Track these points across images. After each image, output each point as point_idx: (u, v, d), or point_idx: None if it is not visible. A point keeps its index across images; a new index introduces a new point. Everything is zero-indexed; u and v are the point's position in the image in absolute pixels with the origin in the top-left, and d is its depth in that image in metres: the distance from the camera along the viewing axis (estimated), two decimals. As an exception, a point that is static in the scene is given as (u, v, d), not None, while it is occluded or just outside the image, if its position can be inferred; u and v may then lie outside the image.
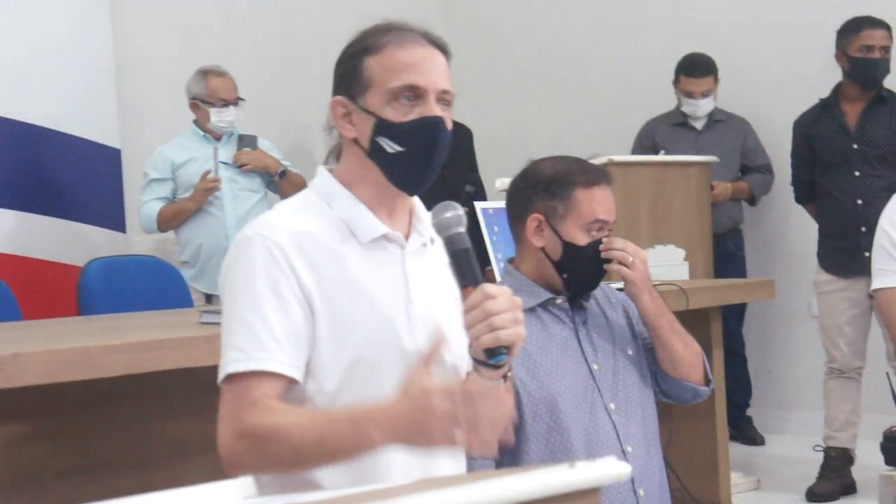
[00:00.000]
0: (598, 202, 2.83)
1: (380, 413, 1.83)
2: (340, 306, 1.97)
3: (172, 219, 5.54)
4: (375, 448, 1.85)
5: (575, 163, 2.92)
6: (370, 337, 1.99)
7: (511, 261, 2.97)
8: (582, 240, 2.82)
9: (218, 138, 5.60)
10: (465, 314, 1.97)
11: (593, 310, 2.95)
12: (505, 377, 2.03)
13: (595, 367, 2.85)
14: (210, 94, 5.53)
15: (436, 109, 2.05)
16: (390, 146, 2.03)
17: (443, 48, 2.09)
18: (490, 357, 1.96)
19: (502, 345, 1.94)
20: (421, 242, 2.13)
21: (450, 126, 2.10)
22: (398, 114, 2.03)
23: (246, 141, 5.59)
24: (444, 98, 2.06)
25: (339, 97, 2.07)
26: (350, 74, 2.06)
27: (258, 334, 1.91)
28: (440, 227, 2.04)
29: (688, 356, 2.92)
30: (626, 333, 2.98)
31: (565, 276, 2.84)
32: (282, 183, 5.58)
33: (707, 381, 2.98)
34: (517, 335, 1.96)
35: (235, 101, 5.57)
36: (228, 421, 1.90)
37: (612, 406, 2.82)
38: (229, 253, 2.02)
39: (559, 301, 2.87)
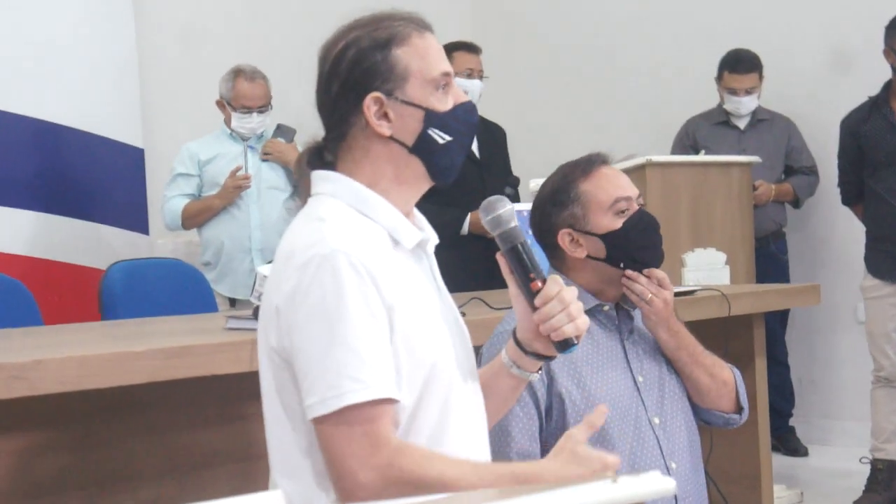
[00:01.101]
0: (608, 183, 2.78)
1: (551, 475, 1.90)
2: (409, 319, 1.92)
3: (197, 215, 5.48)
4: None
5: (567, 165, 2.87)
6: (438, 348, 1.96)
7: (555, 270, 2.93)
8: (616, 224, 2.76)
9: (245, 139, 5.54)
10: (539, 306, 2.03)
11: (639, 321, 2.89)
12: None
13: (640, 379, 2.79)
14: (234, 97, 5.45)
15: (463, 94, 2.06)
16: (441, 136, 1.99)
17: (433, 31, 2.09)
18: (563, 349, 2.06)
19: (580, 334, 2.04)
20: (432, 244, 2.11)
21: None
22: (441, 103, 2.00)
23: (283, 132, 5.52)
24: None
25: (373, 94, 1.97)
26: (379, 68, 1.98)
27: (367, 360, 1.84)
28: (495, 223, 2.05)
29: (714, 386, 2.86)
30: None
31: (622, 265, 2.78)
32: (288, 146, 5.52)
33: (739, 409, 2.92)
34: (587, 324, 2.06)
35: (261, 109, 5.46)
36: (372, 462, 1.83)
37: (657, 421, 2.77)
38: (298, 272, 1.89)
39: (606, 308, 2.81)
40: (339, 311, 1.85)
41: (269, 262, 4.49)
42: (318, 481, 1.91)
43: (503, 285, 2.12)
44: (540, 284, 2.03)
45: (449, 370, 1.97)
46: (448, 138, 2.00)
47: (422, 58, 1.99)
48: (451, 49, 5.67)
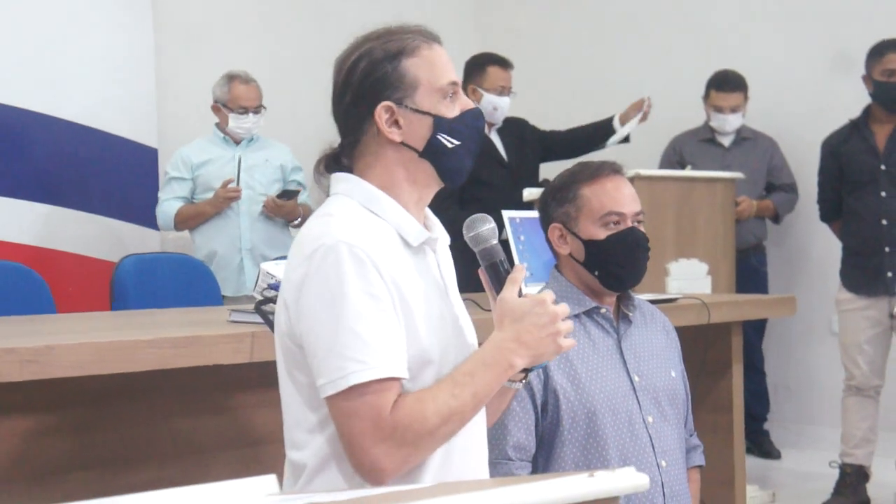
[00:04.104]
0: (606, 194, 2.81)
1: (509, 341, 2.00)
2: (412, 310, 1.99)
3: (190, 220, 5.60)
4: (515, 372, 2.02)
5: (580, 164, 2.92)
6: (436, 339, 2.03)
7: (557, 268, 2.97)
8: (600, 234, 2.80)
9: (238, 142, 5.67)
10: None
11: (638, 322, 2.93)
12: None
13: (636, 378, 2.84)
14: (232, 99, 5.59)
15: (470, 101, 2.13)
16: (449, 141, 2.07)
17: (441, 42, 2.15)
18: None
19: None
20: (442, 244, 2.18)
21: None
22: (449, 110, 2.08)
23: (287, 194, 5.59)
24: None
25: (384, 102, 2.05)
26: (390, 78, 2.06)
27: (369, 342, 1.90)
28: (476, 241, 2.11)
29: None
30: (669, 355, 2.98)
31: (596, 273, 2.82)
32: (288, 203, 5.61)
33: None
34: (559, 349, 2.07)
35: (256, 109, 5.61)
36: (378, 434, 1.90)
37: (650, 419, 2.81)
38: (305, 263, 1.97)
39: (603, 311, 2.86)
40: (341, 297, 1.91)
41: (263, 261, 4.65)
42: (332, 451, 1.98)
43: None
44: None
45: (446, 363, 2.03)
46: (456, 143, 2.07)
47: (430, 68, 2.06)
48: (485, 62, 5.73)
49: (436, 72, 2.07)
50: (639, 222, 2.85)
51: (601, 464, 2.75)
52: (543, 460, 2.77)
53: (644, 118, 5.70)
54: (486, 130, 5.74)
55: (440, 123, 2.07)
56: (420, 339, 2.00)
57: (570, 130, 5.92)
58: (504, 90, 5.71)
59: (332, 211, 2.05)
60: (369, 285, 1.93)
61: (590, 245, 2.82)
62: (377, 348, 1.91)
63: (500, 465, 2.66)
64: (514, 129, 5.87)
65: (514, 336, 2.00)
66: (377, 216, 2.06)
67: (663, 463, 2.81)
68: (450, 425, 1.94)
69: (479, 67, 5.76)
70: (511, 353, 1.99)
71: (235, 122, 5.60)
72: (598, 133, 5.80)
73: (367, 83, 2.07)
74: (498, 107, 5.68)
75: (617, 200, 2.81)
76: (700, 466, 3.08)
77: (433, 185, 2.13)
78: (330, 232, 1.97)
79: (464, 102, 2.10)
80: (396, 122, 2.07)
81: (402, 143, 2.07)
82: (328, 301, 1.93)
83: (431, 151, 2.08)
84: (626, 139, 5.77)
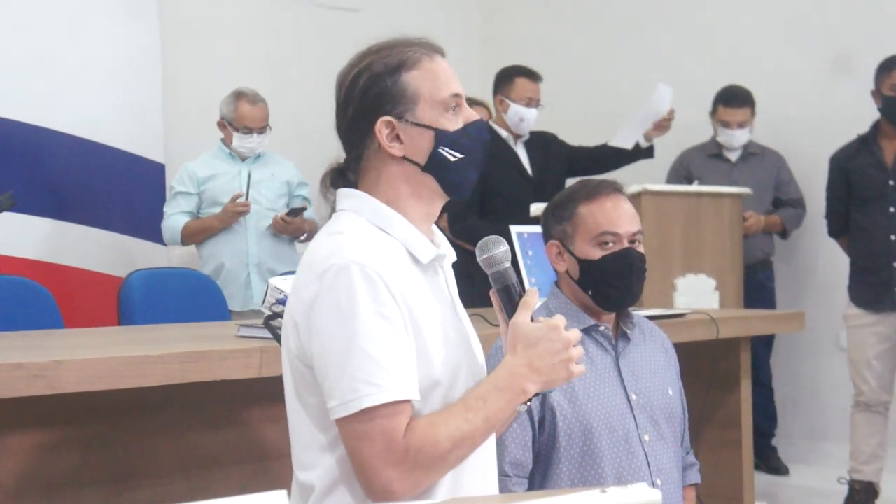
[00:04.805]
0: (602, 213, 2.81)
1: (522, 366, 1.99)
2: (422, 330, 1.98)
3: (197, 234, 5.61)
4: (528, 396, 2.01)
5: (581, 182, 2.92)
6: (446, 359, 2.01)
7: (557, 284, 2.97)
8: (595, 254, 2.80)
9: (244, 158, 5.68)
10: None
11: (637, 340, 2.93)
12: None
13: (633, 396, 2.83)
14: (237, 118, 5.59)
15: (475, 113, 2.10)
16: (452, 154, 2.06)
17: (445, 54, 2.13)
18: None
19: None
20: (450, 260, 2.17)
21: None
22: (451, 123, 2.06)
23: (295, 212, 5.60)
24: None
25: (385, 117, 2.04)
26: (390, 93, 2.04)
27: (382, 364, 1.89)
28: (488, 263, 2.08)
29: None
30: (667, 373, 2.97)
31: (590, 293, 2.83)
32: (295, 220, 5.61)
33: None
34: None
35: (261, 130, 5.62)
36: (391, 458, 1.89)
37: (647, 437, 2.81)
38: (316, 282, 1.95)
39: (602, 328, 2.85)
40: (353, 318, 1.89)
41: (270, 276, 4.65)
42: (341, 473, 1.97)
43: None
44: None
45: (455, 384, 2.02)
46: (459, 156, 2.05)
47: (431, 81, 2.04)
48: (514, 74, 5.75)
49: (437, 84, 2.05)
50: (636, 242, 2.84)
51: (597, 481, 2.75)
52: (540, 477, 2.76)
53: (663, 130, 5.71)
54: (513, 143, 5.76)
55: (442, 137, 2.05)
56: (430, 360, 1.98)
57: (598, 146, 5.92)
58: (532, 102, 5.73)
59: (342, 228, 2.02)
60: (381, 306, 1.91)
61: (584, 264, 2.82)
62: (390, 370, 1.89)
63: (497, 481, 2.66)
64: (541, 142, 5.88)
65: (527, 362, 1.98)
66: (386, 233, 2.04)
67: (659, 481, 2.81)
68: (461, 449, 1.93)
69: (508, 78, 5.80)
70: (524, 378, 1.97)
71: (239, 142, 5.61)
72: (624, 150, 5.79)
73: (367, 98, 2.05)
74: (524, 118, 5.71)
75: (613, 220, 2.81)
76: (696, 485, 3.08)
77: (438, 200, 2.11)
78: (341, 251, 1.95)
79: (467, 115, 2.08)
80: (398, 137, 2.05)
81: (405, 158, 2.06)
82: (340, 322, 1.90)
83: (434, 165, 2.06)
84: (650, 152, 5.76)
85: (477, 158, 2.10)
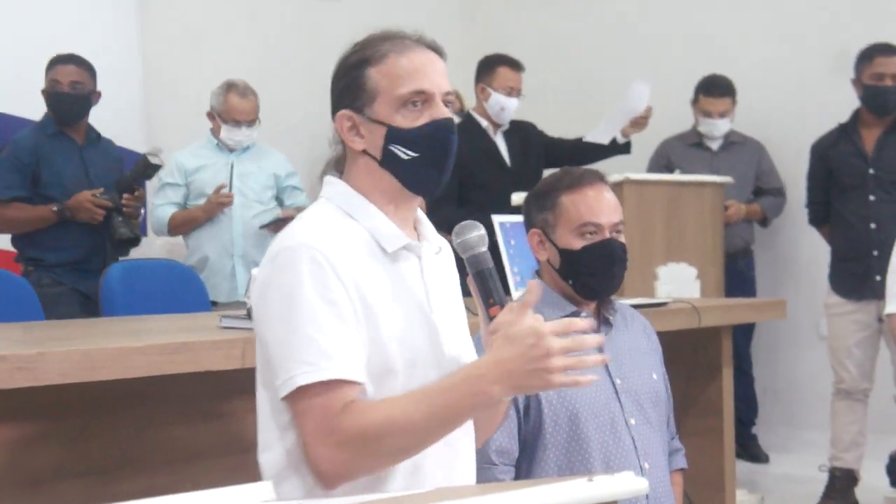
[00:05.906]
0: (584, 204, 2.80)
1: (491, 367, 1.87)
2: (376, 316, 1.98)
3: (183, 225, 5.61)
4: (495, 401, 1.90)
5: (564, 170, 2.91)
6: (403, 347, 2.00)
7: (538, 272, 2.98)
8: (576, 244, 2.81)
9: (232, 149, 5.66)
10: (492, 332, 1.96)
11: (619, 326, 2.94)
12: None
13: (618, 381, 2.84)
14: (226, 111, 5.57)
15: (445, 111, 2.07)
16: (404, 153, 2.05)
17: (439, 51, 2.12)
18: None
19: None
20: (433, 250, 2.16)
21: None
22: (408, 120, 2.05)
23: (269, 225, 5.56)
24: (447, 99, 2.09)
25: (344, 111, 2.07)
26: (353, 87, 2.06)
27: (321, 344, 1.90)
28: (464, 247, 2.06)
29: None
30: (651, 358, 2.98)
31: (570, 282, 2.84)
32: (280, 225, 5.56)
33: None
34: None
35: (250, 123, 5.60)
36: (322, 434, 1.89)
37: (633, 421, 2.82)
38: (269, 265, 2.00)
39: (584, 315, 2.84)
40: (296, 299, 1.92)
41: (254, 267, 4.64)
42: (289, 461, 1.99)
43: None
44: (498, 310, 1.99)
45: (413, 373, 1.99)
46: (413, 154, 2.04)
47: (392, 77, 2.04)
48: (496, 63, 5.77)
49: (398, 81, 2.04)
50: (618, 232, 2.84)
51: (584, 467, 2.75)
52: (526, 464, 2.77)
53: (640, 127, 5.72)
54: (492, 133, 5.75)
55: (393, 134, 2.05)
56: (384, 347, 1.98)
57: (576, 140, 5.92)
58: (513, 91, 5.75)
59: (305, 215, 2.08)
60: (326, 289, 1.93)
61: (565, 254, 2.83)
62: (328, 351, 1.90)
63: (483, 469, 2.63)
64: (520, 132, 5.89)
65: (497, 361, 1.87)
66: (353, 220, 2.06)
67: (646, 465, 2.81)
68: (394, 438, 1.89)
69: (490, 67, 5.80)
70: (487, 380, 1.86)
71: (228, 134, 5.60)
72: (601, 144, 5.80)
73: (336, 89, 2.10)
74: (505, 107, 5.72)
75: (594, 211, 2.81)
76: (682, 469, 3.09)
77: (401, 194, 2.10)
78: (293, 235, 2.00)
79: (435, 112, 2.06)
80: (359, 131, 2.07)
81: (365, 152, 2.08)
82: (287, 304, 1.94)
83: (388, 162, 2.07)
84: (626, 148, 5.77)
85: (436, 157, 2.08)
